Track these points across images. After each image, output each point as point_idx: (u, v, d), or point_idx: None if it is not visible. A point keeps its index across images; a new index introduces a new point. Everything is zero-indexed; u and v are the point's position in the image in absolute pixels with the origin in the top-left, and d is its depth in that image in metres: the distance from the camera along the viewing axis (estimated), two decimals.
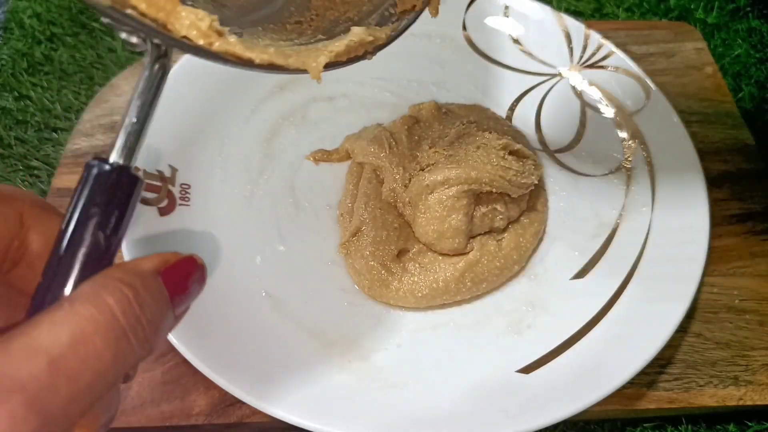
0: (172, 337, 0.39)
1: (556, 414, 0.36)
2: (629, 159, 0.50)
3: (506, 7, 0.58)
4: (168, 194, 0.46)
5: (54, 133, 0.56)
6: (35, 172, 0.54)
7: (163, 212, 0.45)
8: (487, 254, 0.44)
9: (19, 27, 0.64)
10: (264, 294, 0.43)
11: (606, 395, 0.36)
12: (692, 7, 0.66)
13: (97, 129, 0.54)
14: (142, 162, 0.47)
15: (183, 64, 0.52)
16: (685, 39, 0.61)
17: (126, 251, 0.42)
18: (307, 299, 0.43)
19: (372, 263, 0.43)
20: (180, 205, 0.46)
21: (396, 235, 0.44)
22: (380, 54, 0.57)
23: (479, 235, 0.45)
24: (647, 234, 0.45)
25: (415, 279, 0.43)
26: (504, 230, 0.46)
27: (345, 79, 0.56)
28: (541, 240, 0.47)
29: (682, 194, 0.46)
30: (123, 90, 0.56)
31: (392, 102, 0.54)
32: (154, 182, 0.46)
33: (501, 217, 0.45)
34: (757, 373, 0.42)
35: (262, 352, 0.40)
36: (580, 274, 0.45)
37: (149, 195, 0.45)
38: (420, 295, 0.43)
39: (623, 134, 0.51)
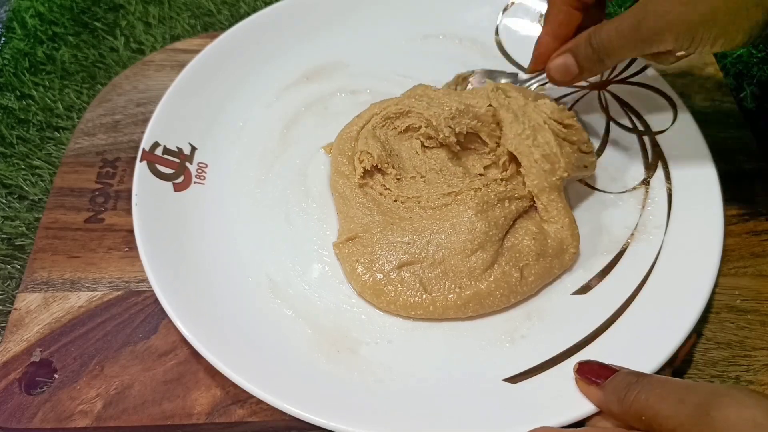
0: (168, 308, 0.39)
1: (534, 425, 0.35)
2: (648, 179, 0.49)
3: (541, 15, 0.57)
4: (185, 171, 0.48)
5: (56, 132, 0.56)
6: (37, 171, 0.54)
7: (178, 188, 0.47)
8: (503, 287, 0.42)
9: (21, 27, 0.64)
10: (265, 277, 0.44)
11: (587, 415, 0.36)
12: None
13: (99, 128, 0.54)
14: (163, 138, 0.48)
15: (214, 46, 0.54)
16: None
17: (137, 223, 0.43)
18: (305, 287, 0.44)
19: (364, 274, 0.42)
20: (195, 182, 0.48)
21: (404, 249, 0.42)
22: (409, 52, 0.58)
23: (502, 256, 0.42)
24: (657, 257, 0.44)
25: (410, 294, 0.41)
26: (536, 260, 0.43)
27: (370, 73, 0.56)
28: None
29: (697, 220, 0.45)
30: (124, 89, 0.56)
31: None
32: (173, 158, 0.47)
33: (532, 237, 0.43)
34: (758, 373, 0.42)
35: (256, 332, 0.41)
36: (583, 290, 0.44)
37: (166, 170, 0.47)
38: (413, 312, 0.42)
39: (646, 153, 0.50)
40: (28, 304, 0.44)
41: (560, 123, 0.45)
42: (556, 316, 0.43)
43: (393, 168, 0.46)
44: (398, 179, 0.46)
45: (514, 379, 0.39)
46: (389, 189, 0.45)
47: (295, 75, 0.56)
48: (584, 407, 0.36)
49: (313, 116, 0.54)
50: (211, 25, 0.65)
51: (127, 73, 0.58)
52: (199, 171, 0.49)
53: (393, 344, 0.41)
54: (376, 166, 0.46)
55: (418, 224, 0.43)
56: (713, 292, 0.45)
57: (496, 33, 0.58)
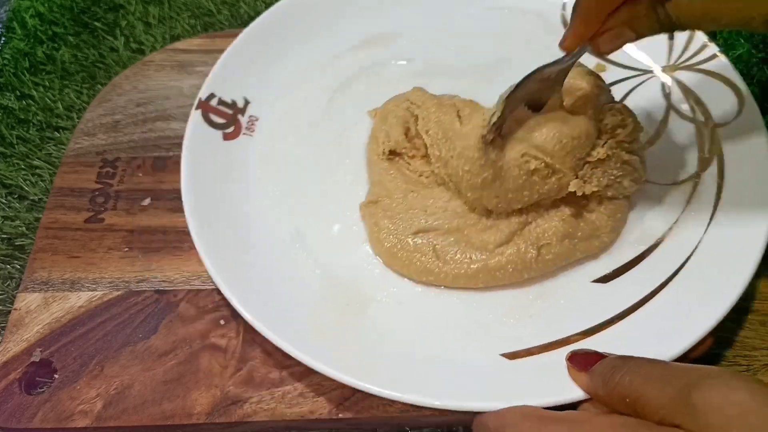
0: (197, 240, 0.42)
1: (520, 402, 0.35)
2: (700, 173, 0.46)
3: None
4: (236, 123, 0.51)
5: (56, 132, 0.56)
6: (37, 171, 0.54)
7: (227, 137, 0.50)
8: (516, 263, 0.41)
9: (21, 27, 0.64)
10: (293, 226, 0.46)
11: (575, 400, 0.36)
12: None
13: (99, 128, 0.54)
14: (220, 90, 0.51)
15: (278, 7, 0.56)
16: None
17: (184, 163, 0.46)
18: (328, 241, 0.46)
19: (382, 236, 0.44)
20: (244, 134, 0.51)
21: (421, 216, 0.44)
22: (470, 24, 0.58)
23: (521, 236, 0.42)
24: (689, 257, 0.42)
25: (423, 260, 0.42)
26: (560, 240, 0.42)
27: (426, 43, 0.56)
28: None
29: (742, 223, 0.42)
30: (124, 89, 0.56)
31: (467, 73, 0.54)
32: (226, 110, 0.51)
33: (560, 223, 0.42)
34: (758, 373, 0.42)
35: (275, 275, 0.43)
36: (605, 279, 0.42)
37: (219, 120, 0.50)
38: (424, 277, 0.43)
39: (703, 146, 0.47)
40: (28, 304, 0.44)
41: (625, 140, 0.42)
42: (569, 301, 0.42)
43: (416, 149, 0.47)
44: (423, 156, 0.47)
45: (511, 356, 0.39)
46: (412, 166, 0.47)
47: (353, 41, 0.57)
48: (573, 392, 0.36)
49: (365, 82, 0.55)
50: (211, 25, 0.65)
51: (127, 73, 0.58)
52: (250, 123, 0.52)
53: (402, 305, 0.43)
54: (394, 150, 0.47)
55: (438, 192, 0.45)
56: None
57: (563, 8, 0.56)
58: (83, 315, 0.44)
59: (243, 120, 0.51)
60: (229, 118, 0.51)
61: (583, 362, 0.36)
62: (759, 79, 0.60)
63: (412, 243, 0.43)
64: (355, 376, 0.37)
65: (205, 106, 0.50)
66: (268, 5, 0.65)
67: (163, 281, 0.45)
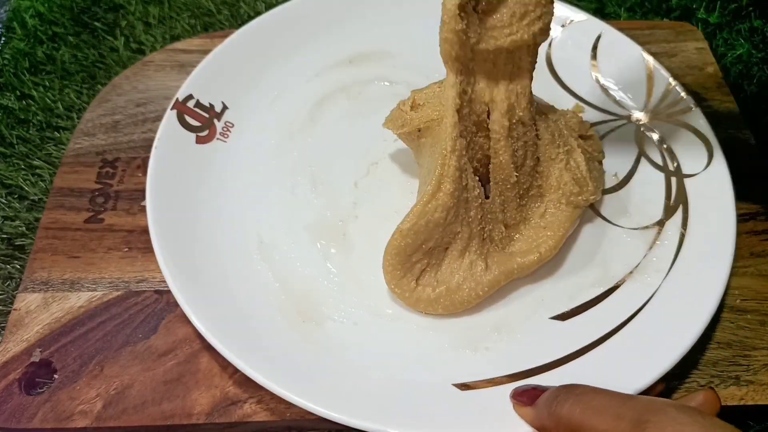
0: (156, 243, 0.42)
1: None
2: (664, 221, 0.47)
3: (599, 36, 0.56)
4: (211, 127, 0.51)
5: (56, 132, 0.56)
6: (37, 171, 0.54)
7: (200, 140, 0.50)
8: (470, 279, 0.41)
9: (21, 27, 0.64)
10: (256, 236, 0.46)
11: None
12: (694, 6, 0.66)
13: (99, 128, 0.54)
14: (198, 92, 0.51)
15: (271, 14, 0.56)
16: (686, 39, 0.61)
17: (152, 164, 0.46)
18: (291, 255, 0.46)
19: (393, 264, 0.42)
20: (218, 139, 0.51)
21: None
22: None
23: (472, 249, 0.41)
24: (648, 300, 0.43)
25: (407, 278, 0.42)
26: (500, 247, 0.43)
27: (412, 67, 0.57)
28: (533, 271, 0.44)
29: (701, 274, 0.43)
30: (124, 89, 0.56)
31: None
32: (203, 113, 0.51)
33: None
34: (758, 373, 0.42)
35: (232, 284, 0.43)
36: (562, 317, 0.43)
37: (194, 122, 0.50)
38: (395, 289, 0.42)
39: (669, 194, 0.48)
40: (28, 304, 0.44)
41: (583, 137, 0.44)
42: (526, 335, 0.42)
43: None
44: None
45: (463, 387, 0.39)
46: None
47: (339, 56, 0.57)
48: (521, 428, 0.36)
49: (346, 99, 0.55)
50: (211, 25, 0.65)
51: (127, 73, 0.58)
52: (225, 129, 0.51)
53: (357, 326, 0.42)
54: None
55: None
56: None
57: (548, 45, 0.56)
58: (83, 315, 0.44)
59: (218, 125, 0.51)
60: (204, 122, 0.50)
61: (527, 397, 0.36)
62: (759, 79, 0.60)
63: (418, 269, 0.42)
64: (300, 394, 0.36)
65: (181, 107, 0.50)
66: (267, 5, 0.65)
67: (163, 281, 0.45)
